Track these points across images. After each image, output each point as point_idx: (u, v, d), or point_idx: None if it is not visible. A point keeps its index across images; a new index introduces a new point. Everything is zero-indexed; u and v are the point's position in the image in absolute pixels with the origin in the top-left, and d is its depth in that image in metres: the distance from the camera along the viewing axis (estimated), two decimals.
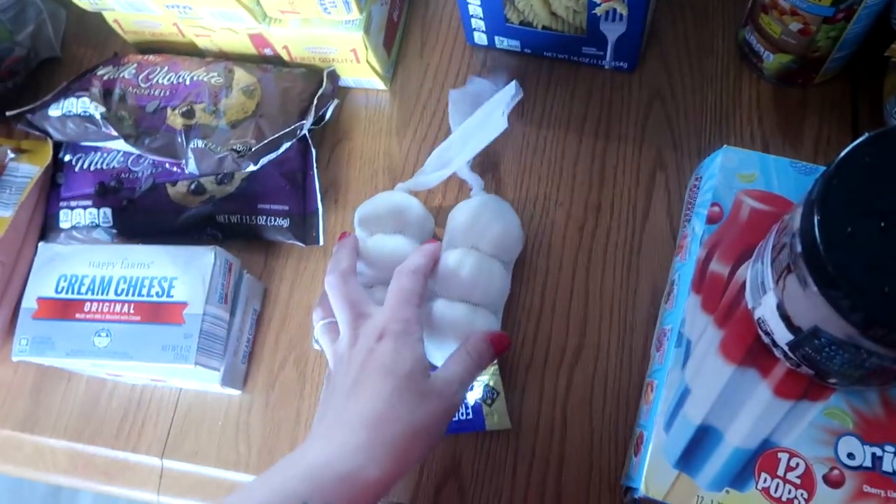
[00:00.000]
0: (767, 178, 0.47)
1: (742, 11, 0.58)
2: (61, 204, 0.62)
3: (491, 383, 0.52)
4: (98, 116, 0.59)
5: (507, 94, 0.53)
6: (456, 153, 0.56)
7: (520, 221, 0.56)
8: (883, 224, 0.33)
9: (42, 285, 0.54)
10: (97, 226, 0.61)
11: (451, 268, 0.51)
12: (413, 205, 0.57)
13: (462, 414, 0.52)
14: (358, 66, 0.61)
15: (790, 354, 0.41)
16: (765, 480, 0.41)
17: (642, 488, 0.42)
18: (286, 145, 0.57)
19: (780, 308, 0.39)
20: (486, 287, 0.52)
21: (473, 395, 0.52)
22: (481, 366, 0.46)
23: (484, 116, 0.55)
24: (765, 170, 0.47)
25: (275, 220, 0.59)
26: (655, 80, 0.61)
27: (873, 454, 0.41)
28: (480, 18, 0.60)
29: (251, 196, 0.59)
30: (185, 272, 0.53)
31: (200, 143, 0.57)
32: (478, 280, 0.51)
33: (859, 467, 0.41)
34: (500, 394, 0.52)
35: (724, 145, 0.49)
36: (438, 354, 0.50)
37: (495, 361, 0.52)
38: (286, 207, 0.59)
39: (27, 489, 1.46)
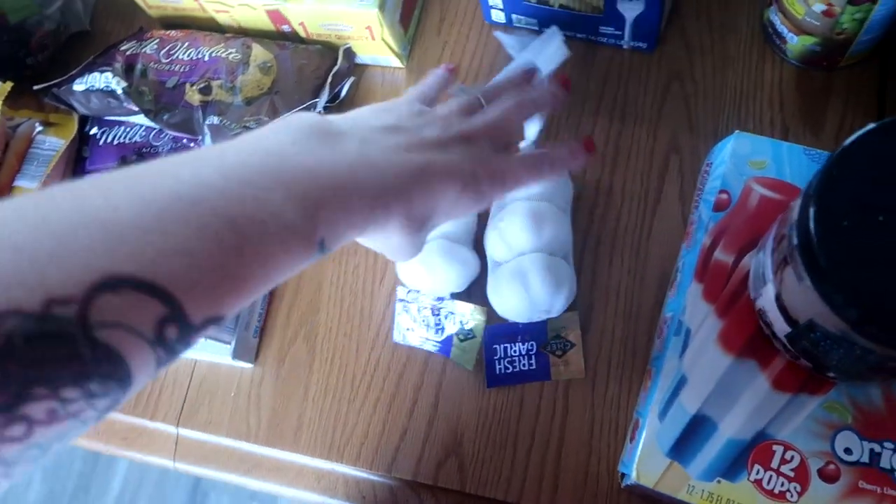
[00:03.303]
0: (779, 166, 0.46)
1: None
2: (86, 177, 0.64)
3: (566, 335, 0.53)
4: (120, 91, 0.61)
5: (553, 34, 0.53)
6: None
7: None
8: (882, 218, 0.32)
9: None
10: None
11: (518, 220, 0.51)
12: None
13: (525, 364, 0.53)
14: (373, 43, 0.61)
15: (789, 347, 0.40)
16: (757, 472, 0.41)
17: (633, 475, 0.42)
18: None
19: (779, 300, 0.38)
20: (556, 234, 0.51)
21: (539, 346, 0.54)
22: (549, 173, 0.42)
23: (535, 51, 0.54)
24: (777, 157, 0.46)
25: None
26: (675, 61, 0.59)
27: (871, 450, 0.40)
28: None
29: None
30: None
31: (216, 120, 0.58)
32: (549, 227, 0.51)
33: (856, 463, 0.40)
34: (577, 345, 0.53)
35: (737, 130, 0.48)
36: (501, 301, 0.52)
37: (576, 318, 0.53)
38: None
39: (64, 467, 1.52)
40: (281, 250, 0.29)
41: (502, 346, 0.54)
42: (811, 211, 0.33)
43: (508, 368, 0.54)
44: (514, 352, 0.54)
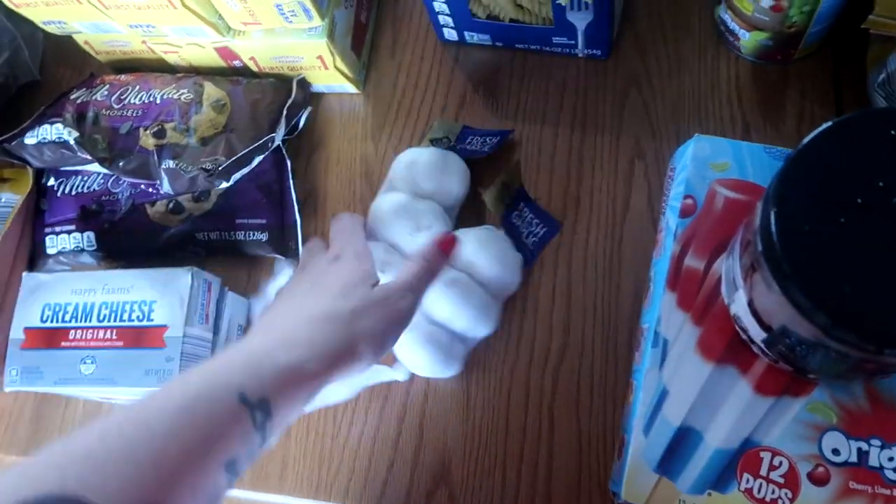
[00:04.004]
0: (741, 166, 0.46)
1: None
2: (46, 230, 0.63)
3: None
4: (72, 141, 0.59)
5: None
6: None
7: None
8: (843, 219, 0.32)
9: (28, 315, 0.55)
10: (82, 250, 0.61)
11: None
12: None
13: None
14: (327, 72, 0.60)
15: (767, 351, 0.39)
16: (747, 481, 0.40)
17: (623, 494, 0.42)
18: (258, 159, 0.57)
19: (751, 306, 0.38)
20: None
21: None
22: (433, 271, 0.45)
23: None
24: (738, 157, 0.46)
25: (253, 234, 0.59)
26: (631, 66, 0.59)
27: (859, 449, 0.39)
28: (448, 15, 0.59)
29: (228, 211, 0.59)
30: (164, 295, 0.53)
31: (172, 164, 0.57)
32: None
33: (845, 463, 0.39)
34: None
35: (696, 134, 0.47)
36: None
37: None
38: (264, 221, 0.59)
39: None
40: None
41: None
42: (771, 216, 0.32)
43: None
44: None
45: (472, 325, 0.52)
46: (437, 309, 0.51)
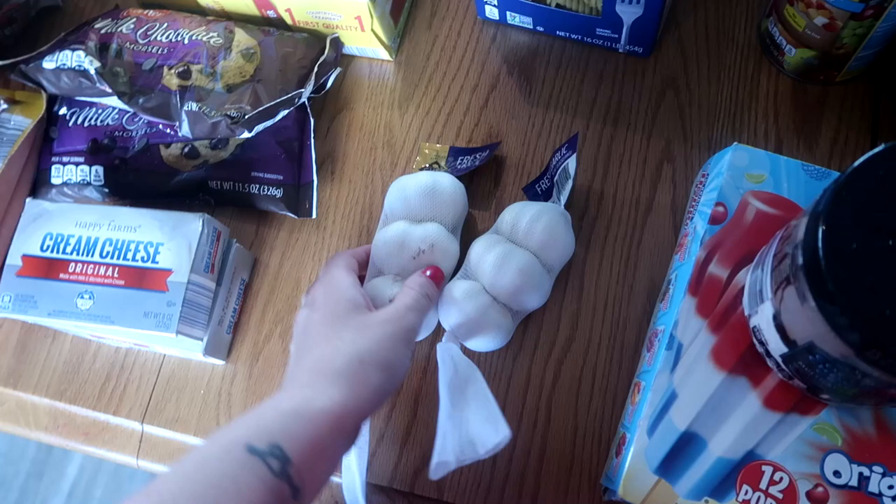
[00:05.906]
0: (777, 180, 0.45)
1: (767, 0, 0.56)
2: (53, 159, 0.61)
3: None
4: (92, 71, 0.57)
5: None
6: None
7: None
8: (891, 242, 0.31)
9: (28, 242, 0.53)
10: (88, 184, 0.60)
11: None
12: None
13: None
14: (363, 34, 0.59)
15: (783, 366, 0.39)
16: (746, 493, 0.40)
17: (620, 491, 0.41)
18: (283, 113, 0.56)
19: (777, 319, 0.37)
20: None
21: None
22: (430, 297, 0.47)
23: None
24: (775, 171, 0.45)
25: (268, 189, 0.58)
26: (670, 68, 0.58)
27: (860, 474, 0.39)
28: None
29: (245, 163, 0.58)
30: (172, 238, 0.52)
31: (195, 106, 0.56)
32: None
33: (845, 486, 0.39)
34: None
35: (735, 143, 0.47)
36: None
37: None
38: (280, 177, 0.58)
39: (18, 450, 1.46)
40: None
41: None
42: (819, 232, 0.32)
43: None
44: None
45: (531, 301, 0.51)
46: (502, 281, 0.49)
